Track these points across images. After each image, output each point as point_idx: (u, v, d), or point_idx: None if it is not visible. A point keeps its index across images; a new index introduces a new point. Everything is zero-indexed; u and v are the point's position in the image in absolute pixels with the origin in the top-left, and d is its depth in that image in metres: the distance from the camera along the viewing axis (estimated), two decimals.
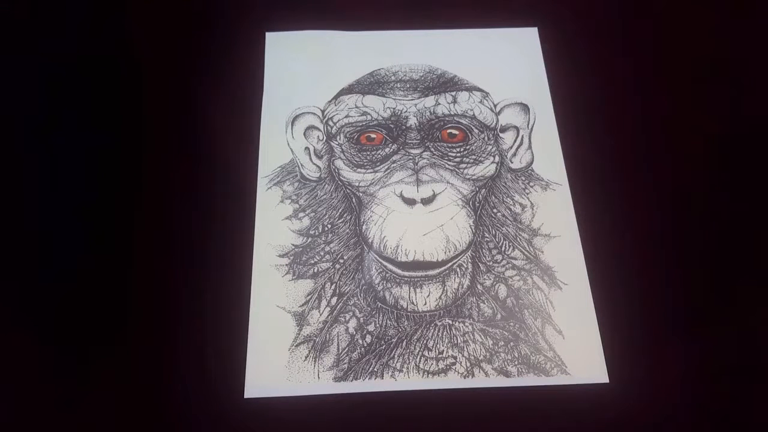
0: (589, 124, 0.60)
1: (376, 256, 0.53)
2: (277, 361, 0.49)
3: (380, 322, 0.51)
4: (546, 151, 0.59)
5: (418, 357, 0.49)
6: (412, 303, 0.51)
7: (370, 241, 0.54)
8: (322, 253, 0.54)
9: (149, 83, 0.62)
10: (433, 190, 0.55)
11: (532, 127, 0.60)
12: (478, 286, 0.52)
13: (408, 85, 0.61)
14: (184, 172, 0.57)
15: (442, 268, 0.53)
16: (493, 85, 0.61)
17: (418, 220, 0.54)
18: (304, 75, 0.62)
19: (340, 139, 0.58)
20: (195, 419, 0.47)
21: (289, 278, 0.52)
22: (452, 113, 0.59)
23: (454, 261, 0.53)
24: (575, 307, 0.51)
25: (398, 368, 0.49)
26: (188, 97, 0.61)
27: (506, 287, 0.52)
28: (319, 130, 0.59)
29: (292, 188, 0.57)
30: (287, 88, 0.62)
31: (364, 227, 0.54)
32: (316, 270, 0.53)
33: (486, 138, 0.59)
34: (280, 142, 0.59)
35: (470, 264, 0.53)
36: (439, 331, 0.50)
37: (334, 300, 0.52)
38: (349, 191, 0.56)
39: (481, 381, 0.49)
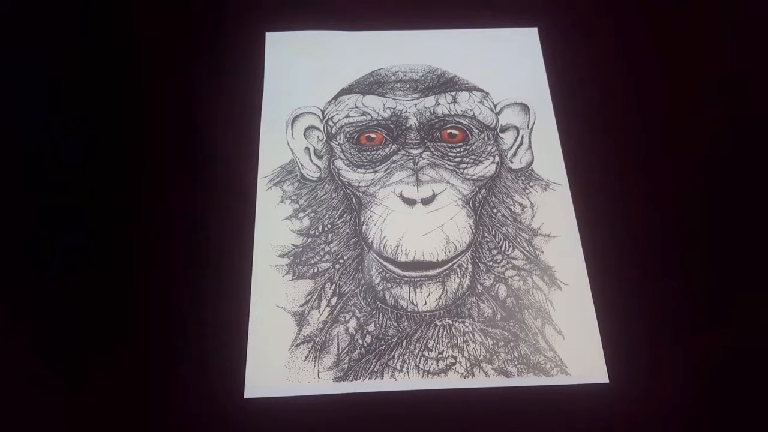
0: (589, 124, 0.60)
1: (376, 256, 0.53)
2: (277, 361, 0.49)
3: (380, 322, 0.51)
4: (546, 151, 0.59)
5: (418, 357, 0.49)
6: (412, 303, 0.51)
7: (370, 241, 0.54)
8: (322, 253, 0.54)
9: (149, 83, 0.62)
10: (433, 190, 0.55)
11: (532, 127, 0.60)
12: (478, 286, 0.52)
13: (408, 85, 0.61)
14: (184, 171, 0.57)
15: (442, 268, 0.53)
16: (493, 85, 0.61)
17: (418, 220, 0.54)
18: (304, 75, 0.62)
19: (340, 139, 0.58)
20: (195, 419, 0.47)
21: (289, 278, 0.52)
22: (452, 113, 0.59)
23: (454, 261, 0.53)
24: (575, 307, 0.51)
25: (398, 368, 0.49)
26: (188, 97, 0.61)
27: (506, 287, 0.52)
28: (319, 130, 0.59)
29: (292, 188, 0.57)
30: (287, 88, 0.62)
31: (364, 227, 0.54)
32: (316, 270, 0.53)
33: (486, 138, 0.59)
34: (280, 142, 0.59)
35: (470, 264, 0.53)
36: (439, 331, 0.50)
37: (334, 300, 0.52)
38: (349, 191, 0.56)
39: (481, 381, 0.49)
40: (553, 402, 0.48)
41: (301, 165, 0.58)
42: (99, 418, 0.47)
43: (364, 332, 0.50)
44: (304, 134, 0.59)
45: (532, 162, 0.58)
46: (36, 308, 0.51)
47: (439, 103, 0.59)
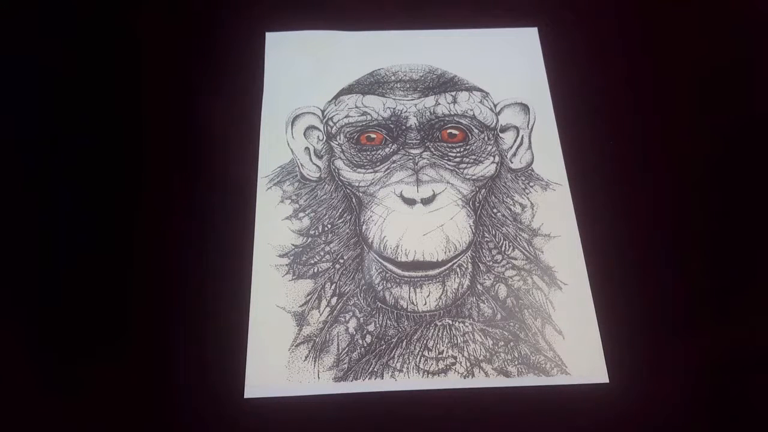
0: (589, 124, 0.60)
1: (376, 256, 0.53)
2: (277, 361, 0.49)
3: (380, 322, 0.51)
4: (546, 151, 0.59)
5: (418, 357, 0.49)
6: (412, 303, 0.51)
7: (370, 241, 0.54)
8: (322, 253, 0.54)
9: (149, 83, 0.62)
10: (433, 190, 0.55)
11: (532, 127, 0.60)
12: (478, 286, 0.52)
13: (408, 85, 0.61)
14: (185, 171, 0.57)
15: (442, 268, 0.53)
16: (493, 85, 0.61)
17: (418, 220, 0.54)
18: (304, 75, 0.62)
19: (340, 139, 0.58)
20: (195, 419, 0.47)
21: (289, 278, 0.52)
22: (452, 113, 0.59)
23: (454, 261, 0.53)
24: (575, 307, 0.51)
25: (398, 368, 0.49)
26: (188, 97, 0.61)
27: (506, 287, 0.52)
28: (319, 130, 0.59)
29: (292, 188, 0.57)
30: (287, 88, 0.62)
31: (364, 227, 0.54)
32: (316, 270, 0.53)
33: (486, 138, 0.59)
34: (280, 142, 0.59)
35: (470, 264, 0.53)
36: (439, 331, 0.50)
37: (334, 300, 0.52)
38: (349, 191, 0.56)
39: (481, 381, 0.49)
40: (553, 402, 0.48)
41: (301, 165, 0.58)
42: (99, 419, 0.47)
43: (364, 332, 0.50)
44: (304, 134, 0.59)
45: (532, 162, 0.58)
46: (36, 308, 0.51)
47: (439, 103, 0.59)
